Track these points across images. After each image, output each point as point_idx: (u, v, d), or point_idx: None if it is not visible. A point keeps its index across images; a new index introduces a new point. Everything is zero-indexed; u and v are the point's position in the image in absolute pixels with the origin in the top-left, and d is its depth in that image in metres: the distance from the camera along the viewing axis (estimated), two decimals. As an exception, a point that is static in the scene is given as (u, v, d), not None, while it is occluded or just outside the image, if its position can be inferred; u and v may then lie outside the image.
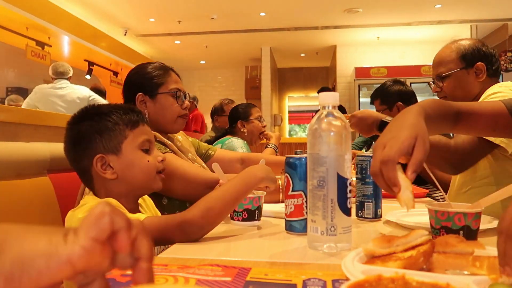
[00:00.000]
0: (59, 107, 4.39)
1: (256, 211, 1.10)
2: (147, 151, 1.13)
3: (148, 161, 1.12)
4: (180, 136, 1.74)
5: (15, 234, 0.37)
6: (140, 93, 1.54)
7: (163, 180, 1.21)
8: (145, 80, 1.56)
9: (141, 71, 1.59)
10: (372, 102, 2.78)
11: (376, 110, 2.72)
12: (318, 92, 6.31)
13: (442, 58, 1.80)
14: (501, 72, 7.39)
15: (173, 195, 1.46)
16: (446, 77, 1.78)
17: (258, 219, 1.11)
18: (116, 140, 1.09)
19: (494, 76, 1.74)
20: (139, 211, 1.17)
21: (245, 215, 1.09)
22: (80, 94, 4.51)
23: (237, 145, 2.36)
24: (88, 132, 1.08)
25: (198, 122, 5.80)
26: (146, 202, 1.28)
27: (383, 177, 0.78)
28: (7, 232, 0.38)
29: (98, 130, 1.08)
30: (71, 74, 4.62)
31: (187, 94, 1.63)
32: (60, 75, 4.56)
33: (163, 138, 1.54)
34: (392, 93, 2.58)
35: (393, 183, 0.77)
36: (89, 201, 1.06)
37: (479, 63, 1.71)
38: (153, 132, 1.51)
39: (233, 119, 2.70)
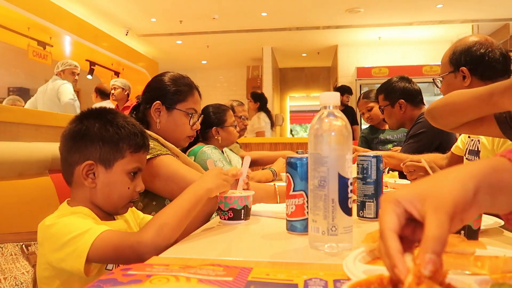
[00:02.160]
0: (42, 103, 4.44)
1: (242, 210, 1.11)
2: (134, 175, 1.13)
3: (129, 188, 1.12)
4: None
5: None
6: (159, 101, 1.57)
7: (161, 181, 1.27)
8: (168, 91, 1.59)
9: (168, 80, 1.62)
10: (376, 97, 2.77)
11: (379, 106, 2.72)
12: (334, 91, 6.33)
13: (442, 60, 1.80)
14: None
15: (169, 198, 1.46)
16: (442, 80, 1.78)
17: (245, 219, 1.12)
18: (113, 156, 1.09)
19: (488, 79, 1.62)
20: (113, 219, 1.16)
21: (230, 214, 1.11)
22: (53, 86, 4.53)
23: (214, 157, 2.15)
24: (93, 134, 1.08)
25: None
26: (135, 214, 1.28)
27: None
28: None
29: (102, 138, 1.08)
30: (58, 69, 4.64)
31: (201, 116, 1.68)
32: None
33: (166, 142, 1.55)
34: (397, 89, 2.57)
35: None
36: (62, 211, 1.06)
37: (463, 67, 1.66)
38: (157, 136, 1.53)
39: (206, 124, 2.40)
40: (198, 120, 1.66)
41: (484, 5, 6.80)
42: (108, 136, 1.08)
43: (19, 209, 1.25)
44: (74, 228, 0.94)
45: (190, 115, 1.62)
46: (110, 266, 1.05)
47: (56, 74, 4.63)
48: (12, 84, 6.73)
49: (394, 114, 2.60)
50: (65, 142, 1.12)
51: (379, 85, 2.78)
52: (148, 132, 1.49)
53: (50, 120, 1.87)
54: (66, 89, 4.53)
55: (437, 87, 1.85)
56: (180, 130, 1.61)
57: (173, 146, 1.58)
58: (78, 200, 1.09)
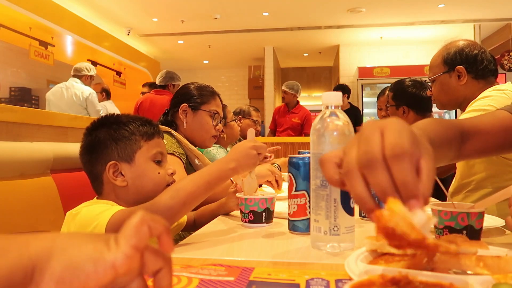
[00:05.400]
0: (61, 106, 4.38)
1: (264, 213, 1.06)
2: (159, 163, 1.16)
3: (159, 173, 1.14)
4: None
5: (61, 241, 0.40)
6: (185, 104, 1.77)
7: None
8: (193, 95, 1.80)
9: (193, 87, 1.84)
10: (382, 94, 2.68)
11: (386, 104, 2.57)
12: (334, 90, 6.29)
13: (431, 63, 1.85)
14: (505, 72, 7.38)
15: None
16: (433, 82, 1.82)
17: (267, 222, 1.07)
18: (130, 149, 1.12)
19: (482, 77, 1.71)
20: None
21: (251, 217, 1.06)
22: (79, 89, 4.45)
23: (218, 156, 2.18)
24: (105, 139, 1.12)
25: None
26: None
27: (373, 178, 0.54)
28: (53, 240, 0.40)
29: (114, 138, 1.12)
30: (88, 72, 4.59)
31: (223, 120, 1.87)
32: (74, 71, 4.55)
33: (189, 144, 1.69)
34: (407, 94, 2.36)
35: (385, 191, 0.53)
36: (88, 201, 1.08)
37: (459, 66, 1.72)
38: (181, 138, 1.67)
39: None
40: (220, 122, 1.83)
41: (485, 5, 6.79)
42: (119, 135, 1.12)
43: (21, 209, 1.25)
44: (95, 211, 0.97)
45: (213, 115, 1.78)
46: None
47: (82, 77, 4.52)
48: (14, 84, 6.72)
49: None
50: (84, 158, 1.16)
51: (380, 85, 2.73)
52: (173, 132, 1.72)
53: (52, 120, 1.87)
54: (97, 100, 4.54)
55: (429, 89, 1.89)
56: (205, 129, 1.78)
57: (194, 148, 1.71)
58: (112, 200, 1.10)
